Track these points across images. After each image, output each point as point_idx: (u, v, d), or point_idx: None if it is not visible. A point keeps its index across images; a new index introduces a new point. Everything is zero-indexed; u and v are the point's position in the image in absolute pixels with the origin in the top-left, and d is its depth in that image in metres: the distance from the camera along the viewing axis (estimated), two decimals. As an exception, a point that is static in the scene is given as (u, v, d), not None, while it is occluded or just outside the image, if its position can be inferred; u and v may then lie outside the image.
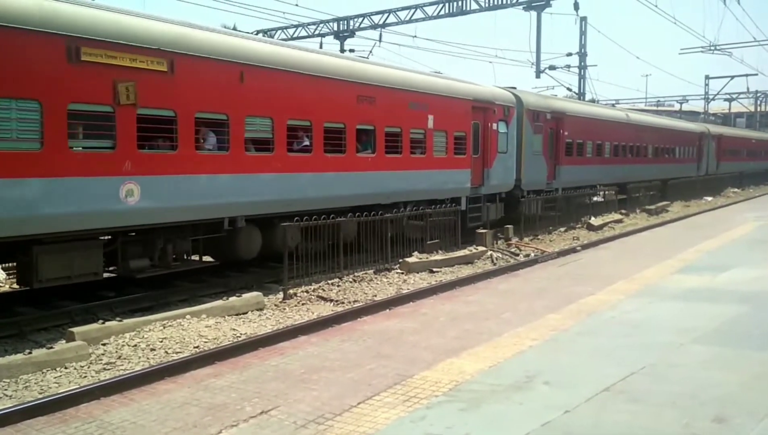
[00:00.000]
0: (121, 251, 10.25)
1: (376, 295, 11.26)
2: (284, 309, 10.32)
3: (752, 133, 54.97)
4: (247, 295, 10.35)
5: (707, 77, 60.33)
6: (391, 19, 30.11)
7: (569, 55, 35.78)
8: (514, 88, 20.84)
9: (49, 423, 5.49)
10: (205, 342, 8.30)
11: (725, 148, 42.81)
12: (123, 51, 9.38)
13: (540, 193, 20.89)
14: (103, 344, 8.11)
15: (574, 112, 23.81)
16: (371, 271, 13.08)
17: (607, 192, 26.96)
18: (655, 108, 67.17)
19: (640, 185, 29.27)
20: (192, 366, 6.91)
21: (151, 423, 5.39)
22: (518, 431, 5.03)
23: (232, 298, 10.17)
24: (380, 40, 30.90)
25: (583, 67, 35.40)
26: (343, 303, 10.67)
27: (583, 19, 34.15)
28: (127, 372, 7.05)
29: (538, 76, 32.62)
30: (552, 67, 35.32)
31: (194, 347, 8.10)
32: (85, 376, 7.13)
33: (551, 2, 27.48)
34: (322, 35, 32.35)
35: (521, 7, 27.85)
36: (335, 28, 32.04)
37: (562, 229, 20.73)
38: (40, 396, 6.40)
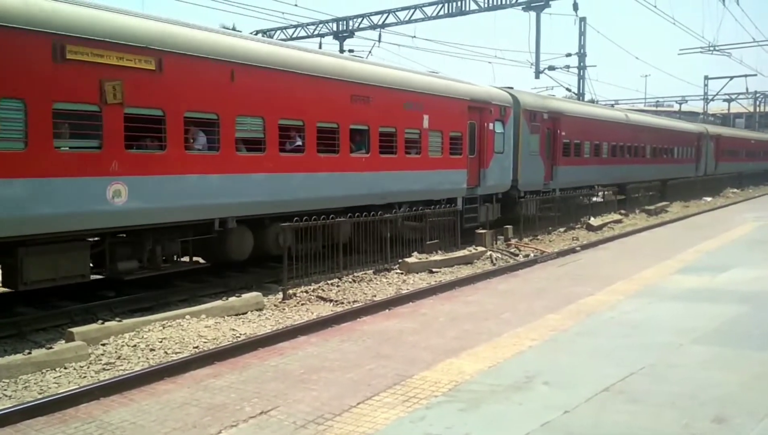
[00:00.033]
0: (108, 253, 10.11)
1: (375, 296, 11.26)
2: (284, 309, 10.32)
3: (751, 134, 54.98)
4: (246, 296, 10.34)
5: (706, 78, 60.45)
6: (391, 19, 30.12)
7: (568, 55, 35.80)
8: (511, 88, 20.76)
9: (48, 423, 5.48)
10: (205, 342, 8.30)
11: (724, 148, 42.81)
12: (109, 49, 9.24)
13: (537, 193, 20.83)
14: (103, 344, 8.11)
15: (572, 112, 23.73)
16: (371, 272, 13.07)
17: (606, 192, 26.97)
18: (654, 108, 67.24)
19: (639, 186, 29.25)
20: (191, 366, 6.91)
21: (151, 423, 5.39)
22: (518, 431, 5.03)
23: (232, 299, 10.17)
24: (379, 41, 30.97)
25: (582, 67, 35.40)
26: (342, 303, 10.66)
27: (583, 19, 34.15)
28: (127, 372, 7.04)
29: (537, 77, 32.65)
30: (551, 68, 35.32)
31: (194, 347, 8.10)
32: (85, 377, 7.13)
33: (550, 3, 27.46)
34: (322, 35, 32.37)
35: (520, 7, 27.85)
36: (334, 29, 32.05)
37: (562, 230, 20.73)
38: (40, 396, 6.39)
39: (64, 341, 8.04)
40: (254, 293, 10.55)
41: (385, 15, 30.28)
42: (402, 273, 13.16)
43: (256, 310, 10.03)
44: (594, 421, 5.21)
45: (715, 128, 44.70)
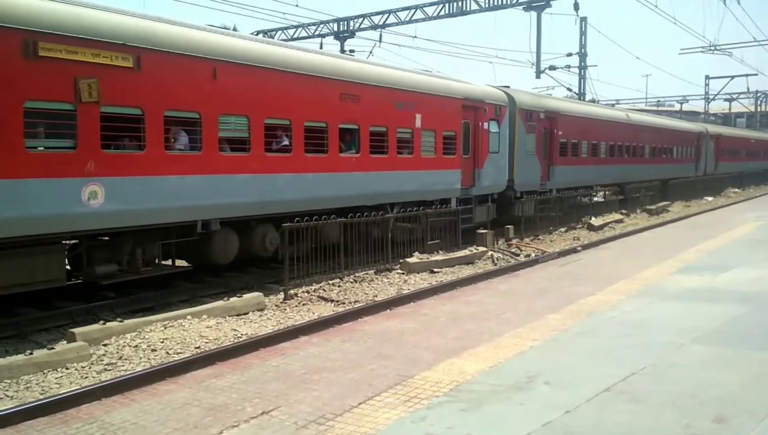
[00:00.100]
0: (86, 256, 9.90)
1: (376, 296, 11.27)
2: (285, 309, 10.33)
3: (751, 133, 54.92)
4: (247, 296, 10.35)
5: (707, 77, 60.44)
6: (391, 19, 30.13)
7: (569, 55, 35.84)
8: (507, 87, 20.62)
9: (50, 424, 5.49)
10: (206, 342, 8.31)
11: (724, 148, 42.75)
12: (84, 46, 8.96)
13: (534, 194, 20.72)
14: (104, 345, 8.12)
15: (569, 112, 23.57)
16: (372, 272, 13.08)
17: (607, 192, 26.94)
18: (655, 108, 67.19)
19: (637, 186, 29.21)
20: (193, 366, 6.91)
21: (152, 423, 5.40)
22: (519, 431, 5.03)
23: (233, 299, 10.17)
24: (380, 41, 31.00)
25: (583, 67, 35.42)
26: (343, 303, 10.67)
27: (583, 19, 34.17)
28: (128, 372, 7.05)
29: (538, 77, 32.66)
30: (552, 68, 35.35)
31: (195, 348, 8.11)
32: (86, 377, 7.14)
33: (551, 2, 27.49)
34: (323, 36, 32.41)
35: (521, 7, 27.86)
36: (335, 29, 32.07)
37: (563, 230, 20.73)
38: (41, 397, 6.41)
39: (65, 342, 8.06)
40: (255, 293, 10.55)
41: (385, 15, 30.30)
42: (403, 273, 13.17)
43: (258, 311, 10.04)
44: (595, 421, 5.22)
45: (715, 128, 44.65)
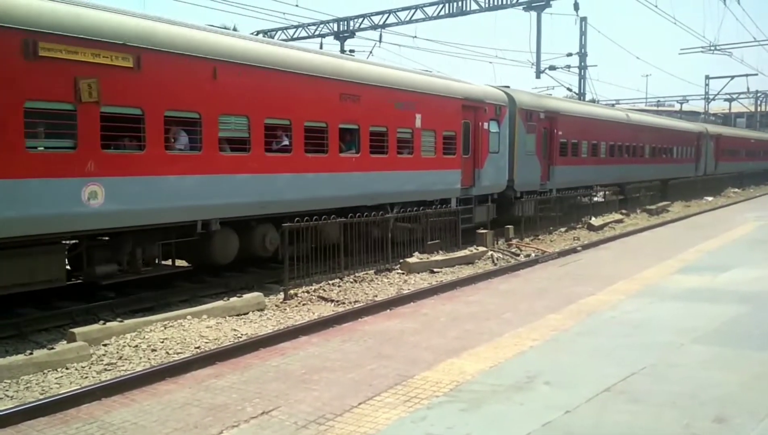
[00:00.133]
0: (86, 256, 9.87)
1: (376, 296, 11.27)
2: (285, 309, 10.33)
3: (751, 133, 54.91)
4: (247, 296, 10.35)
5: (707, 77, 60.44)
6: (391, 19, 30.13)
7: (569, 55, 35.84)
8: (507, 87, 20.60)
9: (50, 424, 5.49)
10: (206, 342, 8.31)
11: (723, 148, 42.72)
12: (85, 46, 8.95)
13: (534, 194, 20.68)
14: (104, 345, 8.12)
15: (569, 112, 23.54)
16: (372, 272, 13.08)
17: (607, 192, 26.93)
18: (655, 108, 67.20)
19: (637, 186, 29.18)
20: (193, 366, 6.92)
21: (152, 423, 5.40)
22: (519, 431, 5.03)
23: (233, 299, 10.17)
24: (380, 41, 31.01)
25: (583, 67, 35.42)
26: (343, 303, 10.67)
27: (583, 19, 34.17)
28: (128, 372, 7.05)
29: (538, 77, 32.66)
30: (552, 68, 35.35)
31: (195, 348, 8.11)
32: (86, 377, 7.15)
33: (551, 2, 27.49)
34: (323, 36, 32.41)
35: (521, 7, 27.86)
36: (335, 29, 32.08)
37: (563, 230, 20.73)
38: (41, 397, 6.41)
39: (65, 342, 8.06)
40: (255, 293, 10.55)
41: (385, 15, 30.30)
42: (403, 273, 13.17)
43: (258, 311, 10.04)
44: (595, 421, 5.22)
45: (714, 128, 44.64)
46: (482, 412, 5.48)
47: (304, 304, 10.62)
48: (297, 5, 28.87)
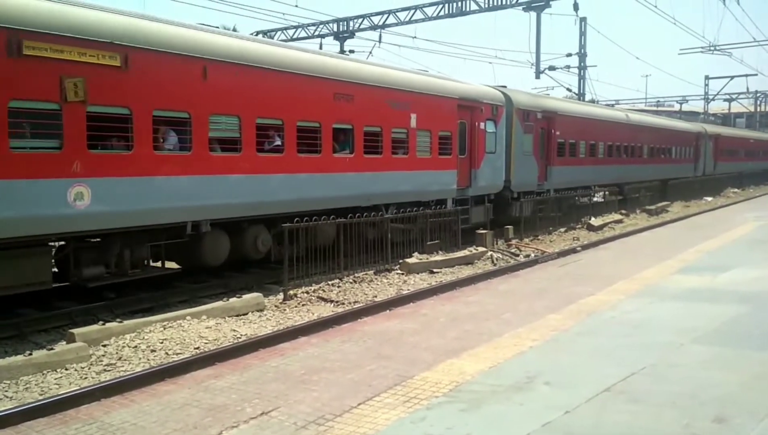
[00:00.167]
0: (73, 258, 9.72)
1: (376, 296, 11.26)
2: (284, 310, 10.32)
3: (750, 133, 54.90)
4: (247, 296, 10.35)
5: (707, 77, 60.47)
6: (391, 20, 30.12)
7: (569, 55, 35.83)
8: (504, 87, 20.51)
9: (49, 424, 5.49)
10: (206, 343, 8.31)
11: (722, 148, 42.69)
12: (70, 44, 8.79)
13: (531, 194, 20.56)
14: (104, 345, 8.12)
15: (567, 112, 23.42)
16: (371, 272, 13.07)
17: (607, 193, 26.90)
18: (654, 108, 67.22)
19: (636, 186, 29.12)
20: (192, 367, 6.91)
21: (152, 424, 5.39)
22: (519, 432, 5.03)
23: (233, 299, 10.17)
24: (380, 41, 30.99)
25: (582, 67, 35.42)
26: (343, 304, 10.67)
27: (583, 19, 34.17)
28: (128, 373, 7.05)
29: (537, 77, 32.68)
30: (552, 68, 35.34)
31: (194, 348, 8.10)
32: (86, 378, 7.14)
33: (551, 3, 27.48)
34: (322, 36, 32.40)
35: (521, 7, 27.86)
36: (335, 29, 32.07)
37: (562, 230, 20.73)
38: (41, 397, 6.40)
39: (65, 342, 8.05)
40: (255, 294, 10.55)
41: (385, 15, 30.29)
42: (403, 273, 13.16)
43: (257, 311, 10.04)
44: (595, 422, 5.21)
45: (713, 128, 44.63)
46: (482, 412, 5.47)
47: (303, 305, 10.61)
48: (296, 5, 28.92)
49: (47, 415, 5.64)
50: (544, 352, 7.21)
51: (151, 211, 10.00)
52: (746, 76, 55.60)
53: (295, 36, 32.29)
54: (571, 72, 35.89)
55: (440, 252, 14.90)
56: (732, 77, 56.03)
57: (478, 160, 17.96)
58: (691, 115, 60.85)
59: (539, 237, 19.07)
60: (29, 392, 6.70)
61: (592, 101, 35.64)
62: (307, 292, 11.27)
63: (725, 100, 64.39)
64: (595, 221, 21.92)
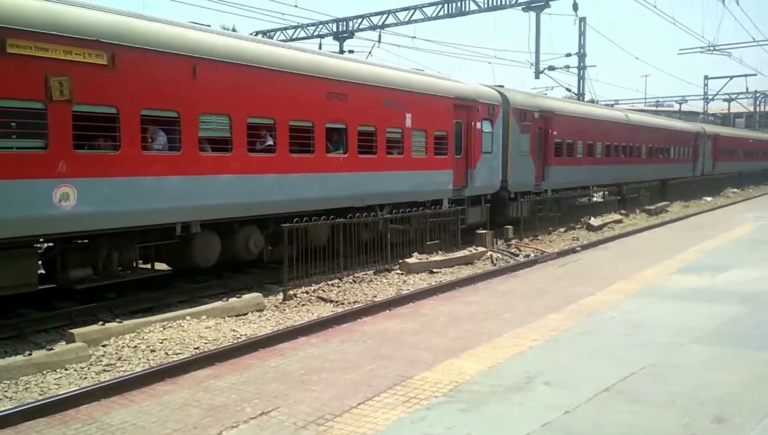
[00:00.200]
0: (60, 260, 9.56)
1: (376, 296, 11.26)
2: (284, 310, 10.32)
3: (749, 133, 54.87)
4: (247, 296, 10.34)
5: (706, 77, 60.47)
6: (390, 20, 30.12)
7: (568, 55, 35.82)
8: (501, 86, 20.40)
9: (49, 424, 5.49)
10: (205, 343, 8.30)
11: (721, 148, 42.65)
12: (56, 43, 8.61)
13: (528, 194, 20.44)
14: (103, 345, 8.11)
15: (564, 111, 23.29)
16: (371, 272, 13.07)
17: (606, 193, 26.88)
18: (654, 108, 67.24)
19: (634, 186, 29.03)
20: (192, 367, 6.91)
21: (151, 424, 5.39)
22: (518, 432, 5.03)
23: (232, 299, 10.17)
24: (379, 41, 30.98)
25: (582, 67, 35.41)
26: (343, 304, 10.67)
27: (582, 19, 34.17)
28: (127, 373, 7.05)
29: (537, 77, 32.68)
30: (551, 68, 35.32)
31: (194, 348, 8.10)
32: (85, 378, 7.14)
33: (550, 3, 27.47)
34: (322, 36, 32.39)
35: (520, 8, 27.85)
36: (334, 29, 32.07)
37: (562, 230, 20.73)
38: (40, 397, 6.40)
39: (64, 342, 8.04)
40: (255, 294, 10.55)
41: (385, 16, 30.29)
42: (402, 273, 13.16)
43: (257, 311, 10.03)
44: (594, 422, 5.21)
45: (712, 127, 44.60)
46: (481, 412, 5.47)
47: (303, 305, 10.61)
48: (296, 6, 28.82)
49: (47, 416, 5.64)
50: (543, 352, 7.21)
51: (139, 212, 9.84)
52: (745, 76, 55.69)
53: (294, 36, 32.28)
54: (570, 72, 35.91)
55: (440, 252, 14.90)
56: (731, 77, 56.08)
57: (475, 160, 17.83)
58: (691, 115, 60.87)
59: (539, 237, 19.07)
60: (29, 392, 6.69)
61: (592, 101, 35.65)
62: (307, 292, 11.27)
63: (725, 100, 64.43)
64: (594, 221, 21.92)
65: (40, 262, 9.89)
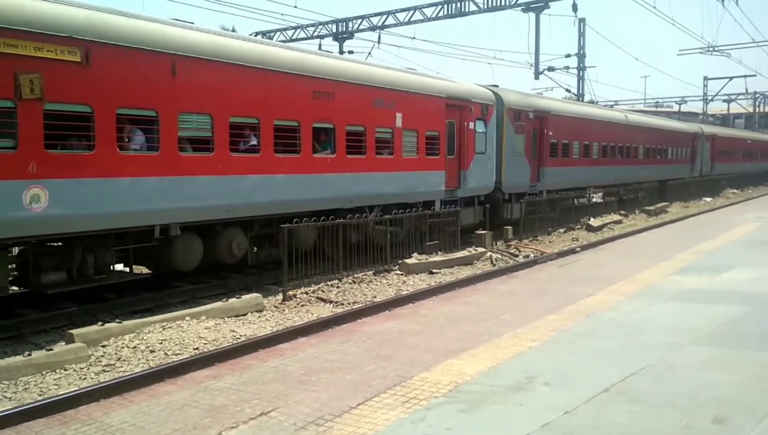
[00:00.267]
0: (32, 264, 9.29)
1: (375, 297, 11.26)
2: (284, 310, 10.31)
3: (747, 134, 54.84)
4: (246, 297, 10.34)
5: (706, 78, 60.48)
6: (390, 20, 30.10)
7: (568, 56, 35.86)
8: (496, 86, 20.28)
9: (48, 425, 5.48)
10: (205, 343, 8.30)
11: (719, 148, 42.60)
12: (25, 39, 8.30)
13: (523, 195, 20.26)
14: (103, 346, 8.10)
15: (560, 112, 23.11)
16: (371, 273, 13.06)
17: (605, 194, 26.85)
18: (653, 109, 67.26)
19: (633, 187, 28.94)
20: (191, 368, 6.91)
21: (151, 425, 5.39)
22: (518, 432, 5.03)
23: (232, 300, 10.16)
24: (379, 42, 30.96)
25: (581, 68, 35.43)
26: (342, 304, 10.66)
27: (582, 20, 34.19)
28: (127, 374, 7.04)
29: (537, 78, 32.67)
30: (551, 69, 35.35)
31: (194, 349, 8.09)
32: (85, 378, 7.13)
33: (550, 4, 27.47)
34: (321, 37, 32.36)
35: (520, 8, 27.85)
36: (334, 30, 32.05)
37: (562, 230, 20.71)
38: (40, 398, 6.39)
39: (64, 343, 8.04)
40: (254, 294, 10.54)
41: (384, 16, 30.27)
42: (402, 274, 13.15)
43: (256, 312, 10.03)
44: (594, 422, 5.21)
45: (710, 128, 44.57)
46: (481, 412, 5.47)
47: (302, 305, 10.60)
48: (295, 6, 28.78)
49: (46, 416, 5.63)
50: (543, 352, 7.21)
51: (115, 214, 9.57)
52: (745, 76, 55.70)
53: (294, 37, 32.26)
54: (570, 73, 35.95)
55: (439, 253, 14.89)
56: (731, 78, 56.09)
57: (468, 161, 17.59)
58: (690, 116, 60.88)
59: (538, 238, 19.06)
60: (28, 393, 6.69)
61: (591, 102, 35.66)
62: (307, 293, 11.26)
63: (724, 100, 64.48)
64: (594, 222, 21.91)
65: (12, 266, 9.73)
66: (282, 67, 12.13)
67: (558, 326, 8.30)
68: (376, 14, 30.75)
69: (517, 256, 16.00)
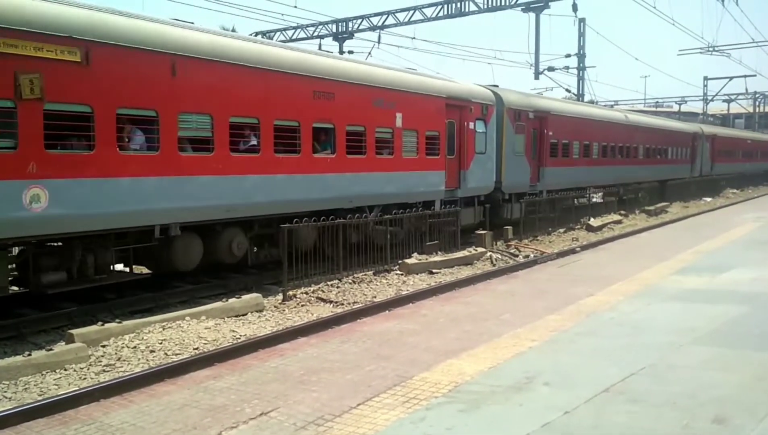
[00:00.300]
0: (32, 264, 9.29)
1: (375, 297, 11.26)
2: (284, 310, 10.31)
3: (747, 134, 54.82)
4: (246, 297, 10.34)
5: (706, 78, 60.47)
6: (390, 20, 30.10)
7: (568, 56, 35.85)
8: (496, 86, 20.28)
9: (48, 425, 5.48)
10: (205, 343, 8.30)
11: (719, 148, 42.58)
12: (25, 39, 8.31)
13: (523, 196, 20.24)
14: (103, 346, 8.11)
15: (560, 112, 23.09)
16: (371, 273, 13.06)
17: (606, 194, 26.84)
18: (654, 109, 67.26)
19: (633, 187, 28.90)
20: (191, 368, 6.91)
21: (151, 425, 5.39)
22: (518, 432, 5.03)
23: (232, 300, 10.16)
24: (379, 42, 30.96)
25: (581, 68, 35.42)
26: (342, 304, 10.66)
27: (582, 20, 34.19)
28: (127, 374, 7.04)
29: (537, 78, 32.67)
30: (551, 69, 35.35)
31: (194, 349, 8.09)
32: (85, 378, 7.13)
33: (550, 4, 27.46)
34: (321, 37, 32.36)
35: (520, 8, 27.85)
36: (334, 30, 32.04)
37: (562, 230, 20.71)
38: (40, 398, 6.39)
39: (64, 343, 8.04)
40: (254, 294, 10.54)
41: (384, 16, 30.27)
42: (402, 274, 13.15)
43: (256, 312, 10.03)
44: (594, 422, 5.21)
45: (710, 128, 44.55)
46: (481, 412, 5.47)
47: (302, 305, 10.60)
48: (295, 6, 28.79)
49: (46, 416, 5.63)
50: (543, 352, 7.21)
51: (115, 214, 9.57)
52: (745, 76, 55.69)
53: (294, 37, 32.26)
54: (570, 73, 35.94)
55: (439, 253, 14.89)
56: (731, 78, 56.08)
57: (468, 161, 17.58)
58: (690, 116, 60.87)
59: (538, 238, 19.05)
60: (28, 393, 6.69)
61: (592, 102, 35.65)
62: (307, 293, 11.26)
63: (724, 100, 64.47)
64: (594, 222, 21.91)
65: (12, 266, 9.73)
66: (282, 67, 12.14)
67: (558, 326, 8.30)
68: (376, 14, 30.75)
69: (517, 256, 16.00)
